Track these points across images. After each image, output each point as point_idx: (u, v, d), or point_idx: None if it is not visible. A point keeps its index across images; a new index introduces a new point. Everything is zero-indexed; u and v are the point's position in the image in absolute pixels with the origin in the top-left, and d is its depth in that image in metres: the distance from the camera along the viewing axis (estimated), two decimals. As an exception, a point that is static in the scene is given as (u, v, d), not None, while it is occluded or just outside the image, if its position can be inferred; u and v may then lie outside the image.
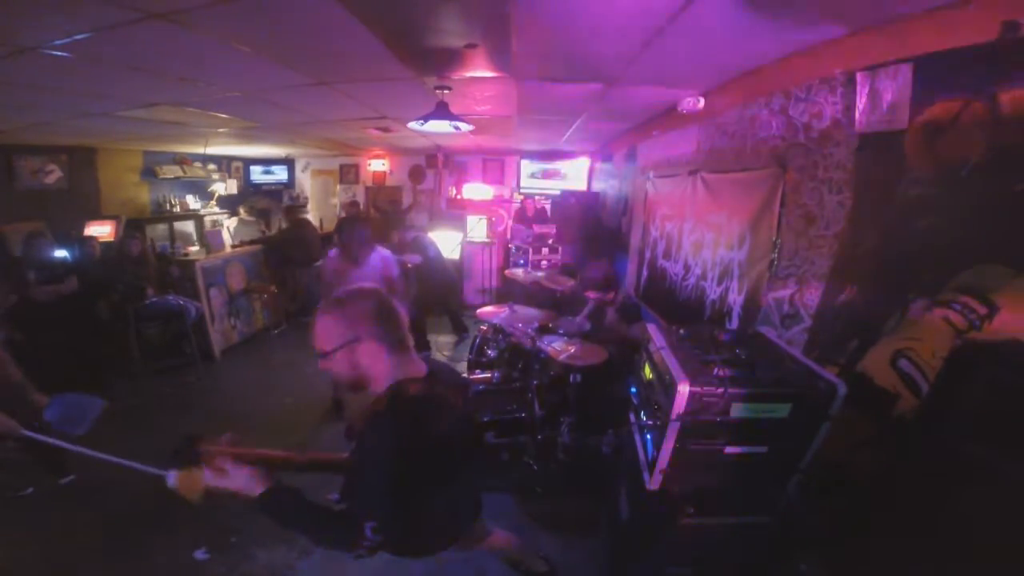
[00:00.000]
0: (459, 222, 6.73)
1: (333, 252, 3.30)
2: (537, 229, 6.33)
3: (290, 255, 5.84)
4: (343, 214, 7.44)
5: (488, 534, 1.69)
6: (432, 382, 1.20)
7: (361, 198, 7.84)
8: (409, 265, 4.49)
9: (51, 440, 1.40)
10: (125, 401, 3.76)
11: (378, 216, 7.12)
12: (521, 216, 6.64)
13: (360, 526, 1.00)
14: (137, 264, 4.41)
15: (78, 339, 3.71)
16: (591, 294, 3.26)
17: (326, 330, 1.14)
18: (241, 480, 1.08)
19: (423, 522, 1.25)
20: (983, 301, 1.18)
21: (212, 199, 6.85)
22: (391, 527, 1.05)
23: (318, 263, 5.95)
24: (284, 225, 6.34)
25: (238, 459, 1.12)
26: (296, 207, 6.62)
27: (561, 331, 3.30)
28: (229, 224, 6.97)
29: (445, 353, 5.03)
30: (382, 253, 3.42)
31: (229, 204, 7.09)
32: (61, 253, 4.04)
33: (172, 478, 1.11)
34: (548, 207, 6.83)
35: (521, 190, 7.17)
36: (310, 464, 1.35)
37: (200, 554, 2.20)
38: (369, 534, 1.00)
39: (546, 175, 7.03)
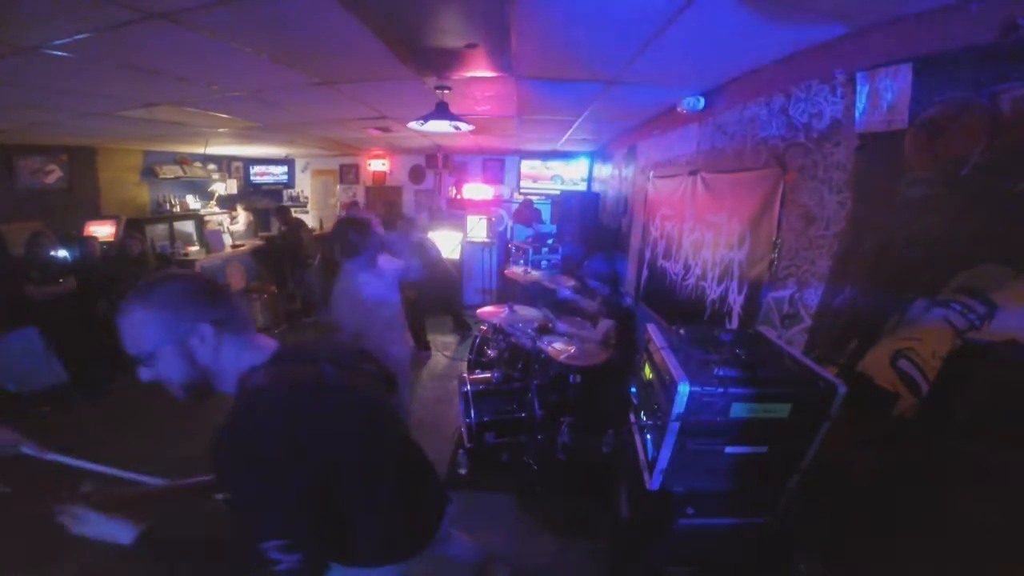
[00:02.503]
0: (459, 222, 6.74)
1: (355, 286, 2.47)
2: (537, 229, 6.33)
3: (292, 256, 5.86)
4: (343, 214, 7.44)
5: (448, 539, 1.49)
6: (299, 361, 1.01)
7: (361, 198, 7.84)
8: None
9: (60, 458, 1.24)
10: (125, 401, 3.76)
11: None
12: (521, 216, 6.64)
13: (260, 551, 0.84)
14: (137, 264, 4.42)
15: (76, 339, 3.71)
16: (593, 283, 3.29)
17: (138, 327, 0.91)
18: (104, 527, 0.95)
19: (365, 526, 1.05)
20: (983, 301, 1.18)
21: (212, 199, 6.85)
22: (308, 539, 0.88)
23: (314, 263, 5.98)
24: (282, 228, 6.35)
25: (98, 505, 0.98)
26: (287, 208, 6.62)
27: (561, 330, 3.31)
28: (232, 223, 6.98)
29: (446, 353, 5.03)
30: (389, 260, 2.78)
31: (229, 204, 7.09)
32: (61, 253, 4.05)
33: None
34: (548, 207, 6.84)
35: (521, 190, 7.18)
36: (177, 493, 1.19)
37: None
38: (279, 555, 0.84)
39: (546, 175, 7.04)
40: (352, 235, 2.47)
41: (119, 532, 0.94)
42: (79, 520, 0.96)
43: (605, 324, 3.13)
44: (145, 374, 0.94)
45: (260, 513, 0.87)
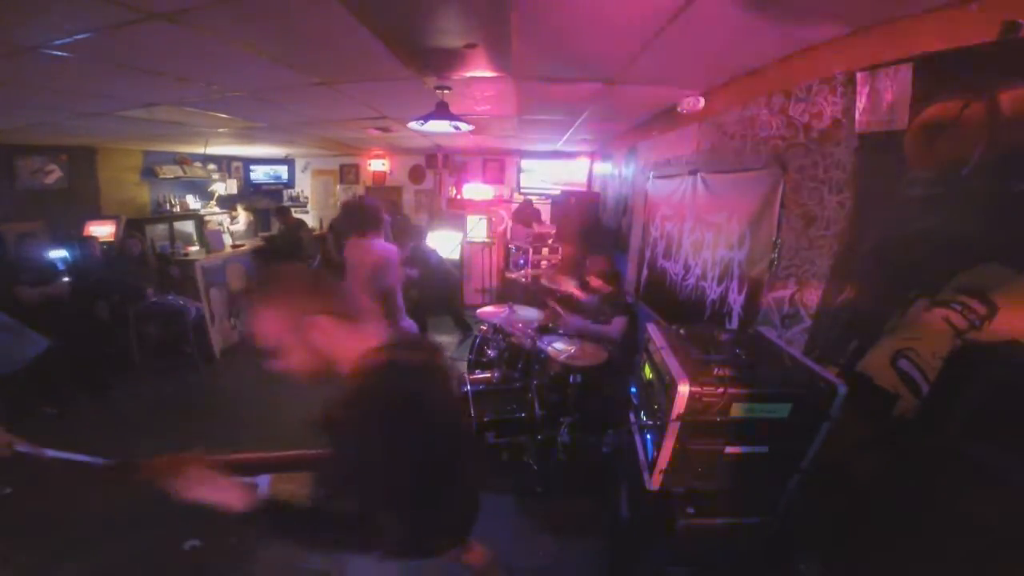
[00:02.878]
0: (459, 222, 6.74)
1: (393, 248, 2.85)
2: (537, 229, 6.33)
3: (291, 256, 5.86)
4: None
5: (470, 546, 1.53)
6: (403, 346, 1.09)
7: (361, 198, 7.85)
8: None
9: (60, 454, 1.29)
10: (125, 401, 3.76)
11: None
12: (520, 216, 6.64)
13: (375, 521, 0.91)
14: (137, 264, 4.42)
15: (73, 341, 3.69)
16: (594, 281, 3.30)
17: (267, 323, 0.99)
18: (225, 491, 0.97)
19: (434, 513, 1.10)
20: (983, 301, 1.18)
21: (212, 199, 6.85)
22: (411, 516, 0.95)
23: (314, 263, 5.98)
24: (280, 227, 6.35)
25: (215, 468, 1.01)
26: (287, 208, 6.63)
27: (561, 331, 3.31)
28: (232, 224, 6.98)
29: (446, 353, 5.03)
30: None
31: (229, 204, 7.09)
32: (56, 254, 4.03)
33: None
34: (549, 207, 6.84)
35: (521, 190, 7.18)
36: (287, 463, 1.23)
37: (190, 544, 2.21)
38: (390, 524, 0.92)
39: (546, 175, 7.04)
40: (367, 211, 2.78)
41: (238, 497, 0.97)
42: (198, 482, 0.98)
43: (619, 321, 3.14)
44: (275, 365, 1.00)
45: (379, 483, 0.93)
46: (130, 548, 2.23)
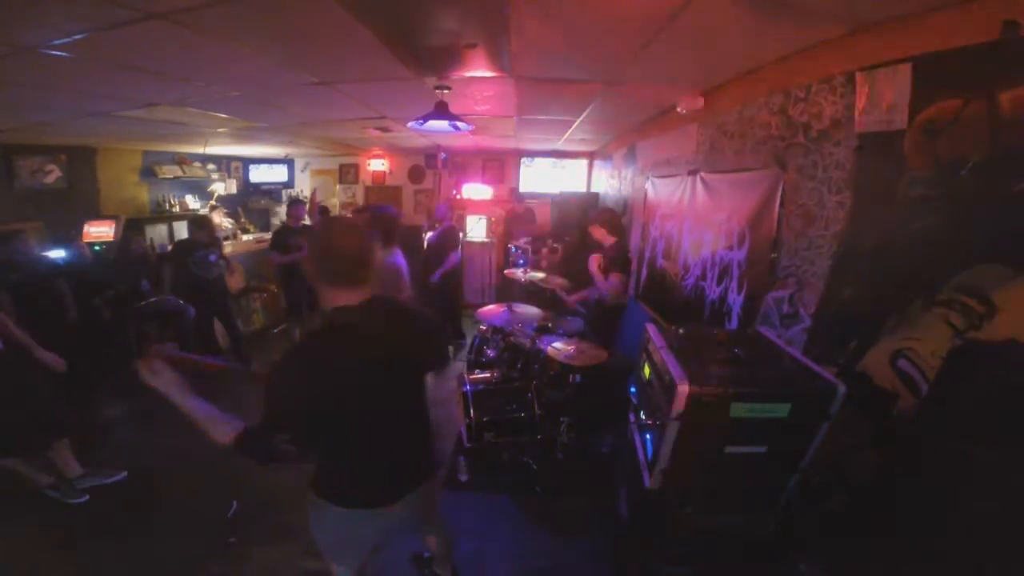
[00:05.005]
0: (459, 222, 6.73)
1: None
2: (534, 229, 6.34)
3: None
4: (348, 214, 7.48)
5: (430, 525, 1.74)
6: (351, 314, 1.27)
7: (360, 198, 7.84)
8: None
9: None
10: (124, 401, 3.76)
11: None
12: (516, 217, 6.65)
13: (269, 438, 1.15)
14: (138, 263, 4.42)
15: (74, 343, 3.68)
16: (596, 231, 3.34)
17: None
18: (167, 383, 1.23)
19: (341, 460, 1.36)
20: (983, 301, 1.18)
21: (212, 199, 6.84)
22: (305, 441, 1.19)
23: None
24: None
25: (173, 364, 1.26)
26: (326, 208, 6.62)
27: (560, 331, 3.31)
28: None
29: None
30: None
31: (229, 204, 7.07)
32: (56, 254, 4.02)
33: None
34: (548, 207, 6.83)
35: (521, 190, 7.18)
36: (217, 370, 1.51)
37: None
38: (282, 447, 1.14)
39: (545, 175, 7.04)
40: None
41: (177, 391, 1.24)
42: (155, 375, 1.24)
43: (615, 277, 3.19)
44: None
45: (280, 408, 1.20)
46: (130, 548, 2.23)
